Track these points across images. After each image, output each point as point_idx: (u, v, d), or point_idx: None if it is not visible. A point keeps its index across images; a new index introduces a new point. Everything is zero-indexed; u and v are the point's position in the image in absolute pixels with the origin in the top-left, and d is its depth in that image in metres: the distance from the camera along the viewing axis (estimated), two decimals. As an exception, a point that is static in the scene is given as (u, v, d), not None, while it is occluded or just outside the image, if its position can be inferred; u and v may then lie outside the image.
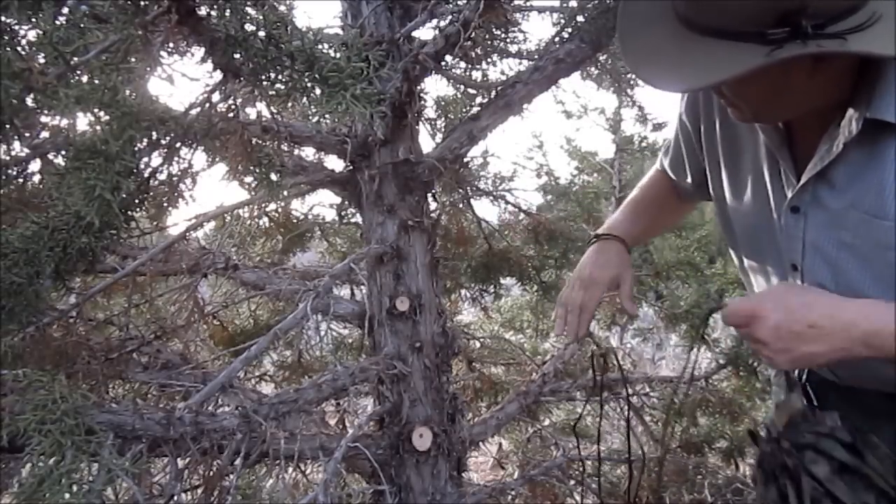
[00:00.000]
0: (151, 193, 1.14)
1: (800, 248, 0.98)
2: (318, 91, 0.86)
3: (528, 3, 1.85)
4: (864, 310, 0.85)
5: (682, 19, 0.85)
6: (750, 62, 0.77)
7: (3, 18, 0.81)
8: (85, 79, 0.89)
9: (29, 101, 0.85)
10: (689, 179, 1.26)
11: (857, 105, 0.86)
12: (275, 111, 1.26)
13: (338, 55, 0.86)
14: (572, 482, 2.30)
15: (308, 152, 1.94)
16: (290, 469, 1.49)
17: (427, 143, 2.42)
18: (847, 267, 0.92)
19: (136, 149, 0.99)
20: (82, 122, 1.02)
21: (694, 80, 0.85)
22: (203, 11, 0.88)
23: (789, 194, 0.97)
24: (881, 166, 0.85)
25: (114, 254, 1.81)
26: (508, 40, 1.88)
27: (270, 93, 0.92)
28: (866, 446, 0.90)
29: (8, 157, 1.18)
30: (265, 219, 2.51)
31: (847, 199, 0.90)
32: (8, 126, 0.90)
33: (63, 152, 1.13)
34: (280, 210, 2.51)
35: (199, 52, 0.96)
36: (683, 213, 1.48)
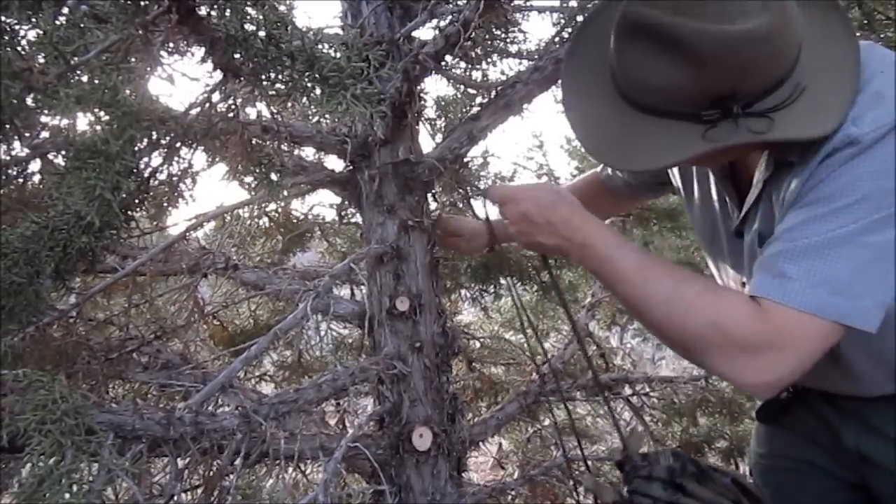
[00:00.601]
0: (151, 193, 1.14)
1: (742, 267, 1.07)
2: (318, 91, 0.86)
3: (528, 3, 1.85)
4: (592, 228, 0.98)
5: (622, 95, 0.91)
6: (689, 148, 0.85)
7: (3, 18, 0.81)
8: (85, 79, 0.89)
9: (29, 100, 0.85)
10: (645, 181, 1.40)
11: (771, 148, 0.94)
12: (275, 111, 1.26)
13: (338, 55, 0.86)
14: (572, 482, 2.30)
15: (308, 152, 1.93)
16: (290, 469, 1.49)
17: (427, 143, 2.41)
18: None
19: (136, 149, 0.99)
20: (82, 122, 1.02)
21: (636, 162, 0.94)
22: (203, 11, 0.88)
23: (734, 218, 1.06)
24: (774, 200, 0.95)
25: (114, 254, 1.81)
26: (508, 40, 1.87)
27: (270, 93, 0.92)
28: (687, 477, 0.95)
29: (8, 157, 1.18)
30: (265, 219, 2.51)
31: (757, 228, 1.00)
32: (8, 126, 0.90)
33: (63, 152, 1.13)
34: (280, 210, 2.50)
35: (199, 52, 0.96)
36: (621, 208, 1.69)
